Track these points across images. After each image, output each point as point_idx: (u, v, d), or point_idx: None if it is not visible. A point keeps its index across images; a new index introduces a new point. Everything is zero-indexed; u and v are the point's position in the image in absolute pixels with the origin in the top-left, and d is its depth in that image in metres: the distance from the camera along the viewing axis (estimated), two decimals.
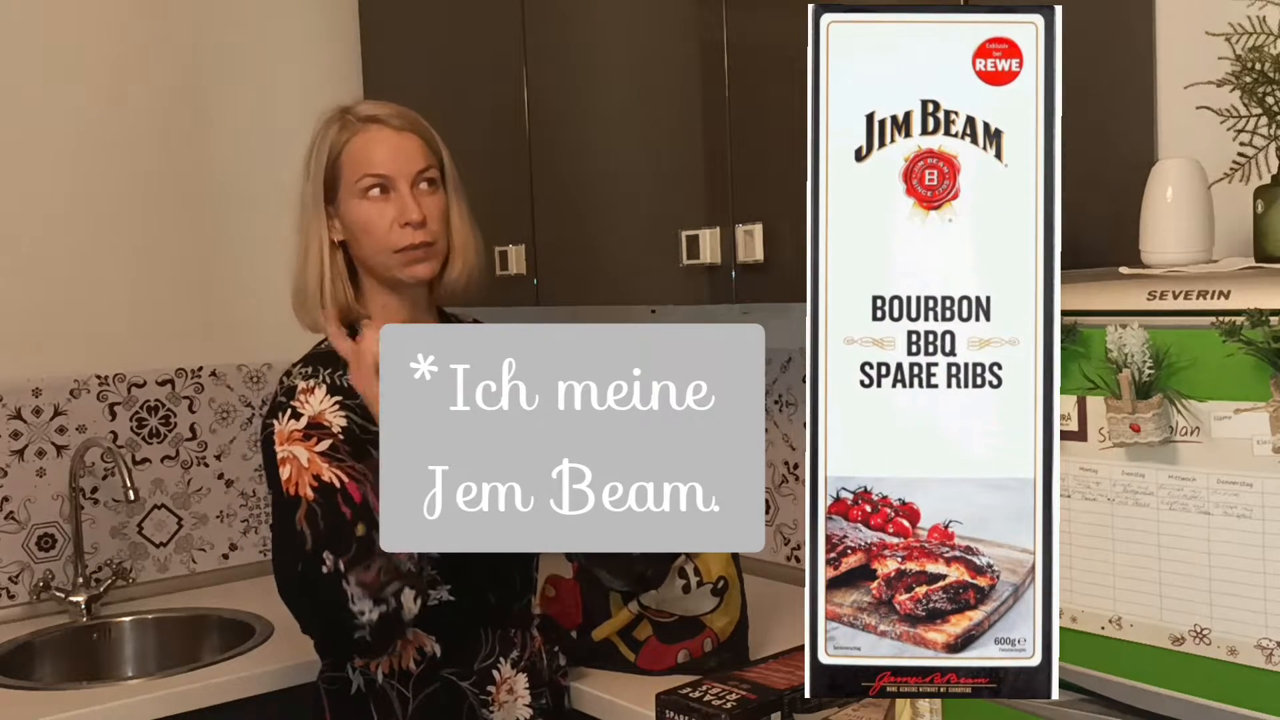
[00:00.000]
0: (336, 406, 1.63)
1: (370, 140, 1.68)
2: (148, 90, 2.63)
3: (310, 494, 1.55)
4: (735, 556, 1.97)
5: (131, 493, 2.37)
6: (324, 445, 1.59)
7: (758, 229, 1.84)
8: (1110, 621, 1.23)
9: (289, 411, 1.62)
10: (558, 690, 1.85)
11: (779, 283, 1.84)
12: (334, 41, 2.84)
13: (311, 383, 1.65)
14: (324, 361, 1.68)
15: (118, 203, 2.60)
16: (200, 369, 2.71)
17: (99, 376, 2.58)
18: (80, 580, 2.48)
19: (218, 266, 2.73)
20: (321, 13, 2.84)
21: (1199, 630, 1.16)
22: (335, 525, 1.53)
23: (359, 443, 1.60)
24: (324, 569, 1.51)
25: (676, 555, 1.91)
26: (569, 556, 1.96)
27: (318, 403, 1.63)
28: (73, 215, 2.56)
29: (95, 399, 2.57)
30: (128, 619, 2.48)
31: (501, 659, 1.73)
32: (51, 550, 2.52)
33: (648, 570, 1.90)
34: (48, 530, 2.52)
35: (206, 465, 2.71)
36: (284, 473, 1.58)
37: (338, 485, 1.56)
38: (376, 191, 1.66)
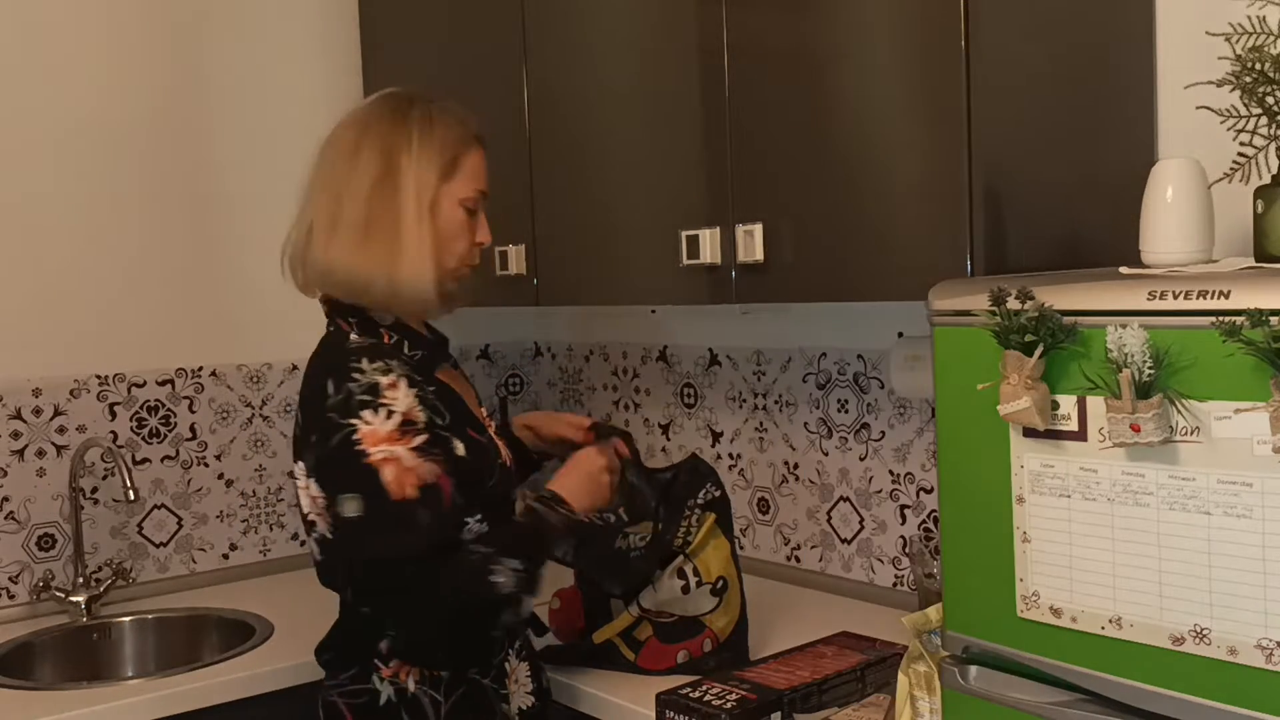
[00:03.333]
0: (417, 400, 1.62)
1: (482, 160, 1.75)
2: (147, 90, 2.63)
3: (414, 493, 1.57)
4: (735, 557, 1.97)
5: (131, 493, 2.37)
6: (418, 441, 1.59)
7: (758, 229, 1.84)
8: (1110, 621, 1.23)
9: (382, 411, 1.59)
10: (540, 670, 1.86)
11: (779, 283, 1.84)
12: (334, 41, 2.84)
13: (392, 376, 1.62)
14: (384, 353, 1.66)
15: (118, 202, 2.60)
16: (200, 369, 2.71)
17: (99, 376, 2.58)
18: (80, 580, 2.48)
19: (218, 266, 2.73)
20: (321, 13, 2.84)
21: (1199, 630, 1.16)
22: (450, 514, 1.61)
23: (437, 436, 1.62)
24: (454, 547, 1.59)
25: (669, 557, 1.91)
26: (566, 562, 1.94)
27: (404, 398, 1.61)
28: (73, 215, 2.55)
29: (95, 399, 2.57)
30: (128, 619, 2.47)
31: (509, 651, 1.77)
32: (51, 550, 2.52)
33: (637, 572, 1.90)
34: (48, 530, 2.52)
35: (206, 465, 2.71)
36: (386, 474, 1.56)
37: (434, 483, 1.60)
38: (474, 209, 1.74)
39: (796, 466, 2.43)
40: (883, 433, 2.26)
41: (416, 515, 1.57)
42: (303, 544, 2.82)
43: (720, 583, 1.93)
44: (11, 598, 2.48)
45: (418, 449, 1.59)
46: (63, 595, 2.46)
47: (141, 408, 2.63)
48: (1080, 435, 1.24)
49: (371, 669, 1.68)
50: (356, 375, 1.60)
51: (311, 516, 1.65)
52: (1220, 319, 1.10)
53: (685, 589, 1.91)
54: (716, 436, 2.60)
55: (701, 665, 1.91)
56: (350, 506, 1.57)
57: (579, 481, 1.77)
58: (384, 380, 1.61)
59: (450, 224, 1.71)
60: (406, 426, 1.59)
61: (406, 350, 1.70)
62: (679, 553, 1.91)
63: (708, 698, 1.70)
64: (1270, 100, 1.34)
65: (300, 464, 1.67)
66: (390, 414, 1.59)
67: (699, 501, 1.93)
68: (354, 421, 1.58)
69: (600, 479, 1.80)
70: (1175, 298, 1.16)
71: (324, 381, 1.62)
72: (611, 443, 1.91)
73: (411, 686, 1.67)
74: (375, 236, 1.67)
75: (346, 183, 1.68)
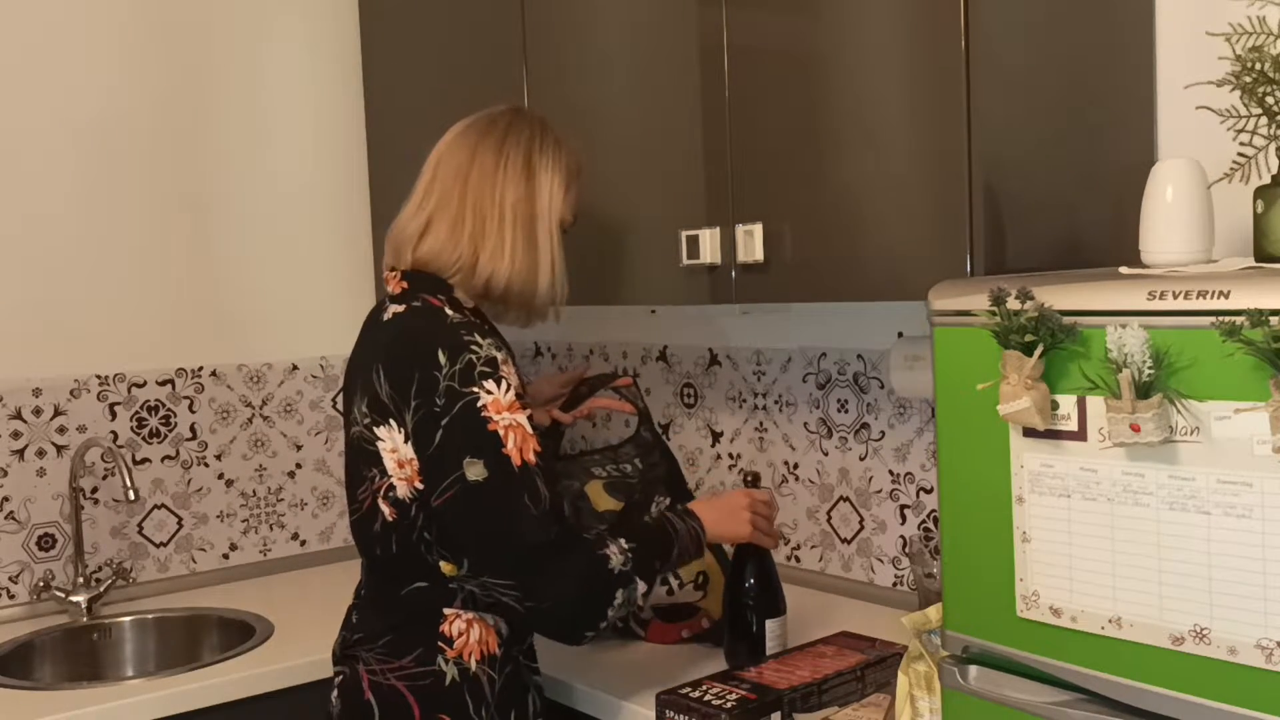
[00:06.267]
0: (522, 382, 1.71)
1: (580, 192, 1.88)
2: (148, 90, 2.63)
3: (534, 459, 1.64)
4: (713, 548, 2.03)
5: (131, 493, 2.37)
6: (529, 414, 1.68)
7: (758, 229, 1.84)
8: (1110, 621, 1.23)
9: (502, 383, 1.65)
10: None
11: (779, 283, 1.84)
12: (334, 42, 2.85)
13: (504, 353, 1.70)
14: (488, 332, 1.73)
15: (118, 202, 2.60)
16: (200, 369, 2.71)
17: (99, 376, 2.58)
18: (80, 580, 2.48)
19: (218, 266, 2.73)
20: (321, 13, 2.84)
21: (1199, 630, 1.16)
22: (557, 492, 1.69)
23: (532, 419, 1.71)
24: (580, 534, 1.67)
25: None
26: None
27: (515, 376, 1.69)
28: (73, 215, 2.55)
29: (95, 399, 2.57)
30: (128, 619, 2.48)
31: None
32: (51, 550, 2.52)
33: None
34: (48, 530, 2.52)
35: (206, 465, 2.71)
36: (509, 441, 1.63)
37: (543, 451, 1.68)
38: (567, 231, 1.86)
39: (796, 466, 2.43)
40: (883, 433, 2.26)
41: (537, 481, 1.63)
42: (303, 544, 2.83)
43: (700, 577, 2.02)
44: (11, 598, 2.48)
45: (530, 420, 1.67)
46: (63, 595, 2.46)
47: (141, 408, 2.63)
48: (1080, 435, 1.24)
49: (437, 651, 1.72)
50: (475, 348, 1.66)
51: (395, 480, 1.70)
52: (1220, 319, 1.10)
53: (669, 591, 2.02)
54: (716, 436, 2.60)
55: (707, 638, 2.01)
56: (475, 470, 1.63)
57: (720, 509, 1.84)
58: (499, 355, 1.68)
59: (559, 238, 1.83)
60: (520, 399, 1.67)
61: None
62: None
63: (708, 698, 1.70)
64: (1270, 100, 1.34)
65: (387, 426, 1.70)
66: (509, 387, 1.66)
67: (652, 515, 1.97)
68: (475, 390, 1.64)
69: (740, 514, 1.85)
70: (1175, 298, 1.16)
71: (432, 350, 1.66)
72: (752, 487, 1.97)
73: (473, 666, 1.73)
74: (520, 242, 1.77)
75: (490, 183, 1.78)
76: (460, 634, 1.73)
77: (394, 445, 1.70)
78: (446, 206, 1.77)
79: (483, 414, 1.63)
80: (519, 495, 1.63)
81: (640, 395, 2.06)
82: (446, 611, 1.73)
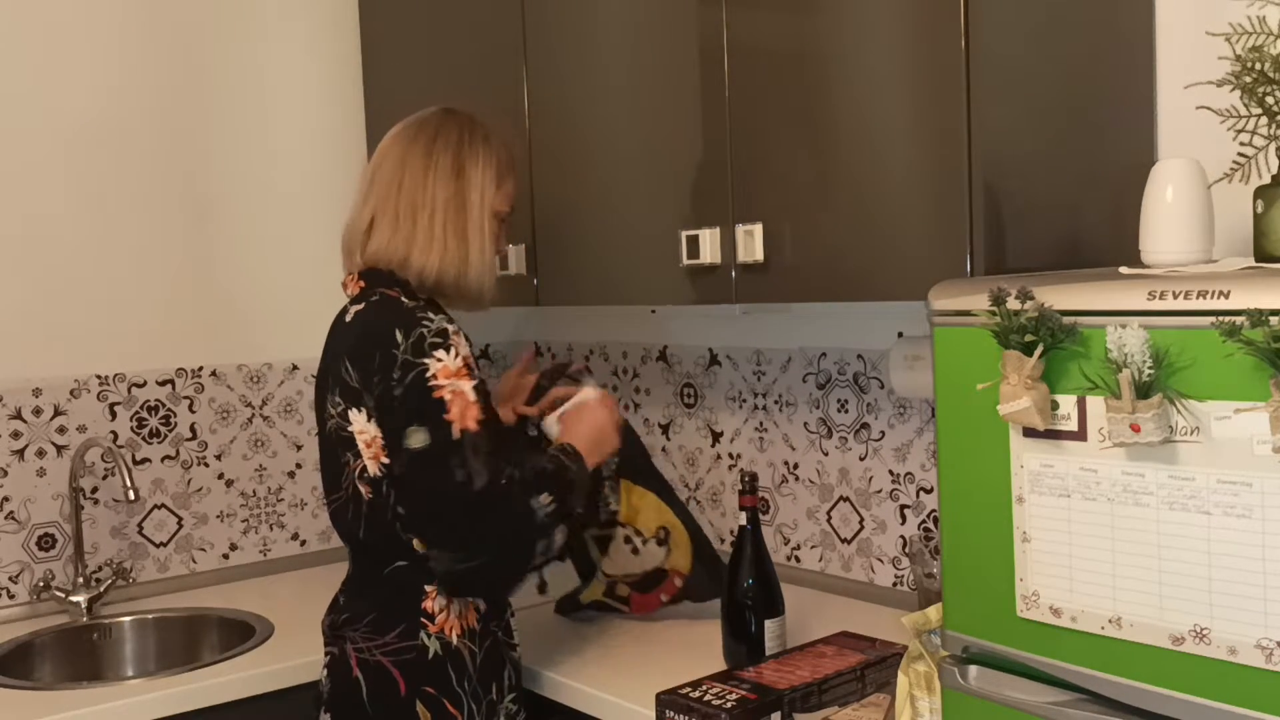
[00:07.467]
0: (471, 354, 1.77)
1: (516, 182, 1.96)
2: (148, 90, 2.63)
3: (474, 426, 1.70)
4: (665, 495, 2.14)
5: (131, 493, 2.37)
6: (476, 382, 1.75)
7: (758, 229, 1.84)
8: (1110, 621, 1.23)
9: (451, 350, 1.74)
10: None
11: (779, 283, 1.84)
12: (334, 42, 2.84)
13: (456, 326, 1.78)
14: (441, 310, 1.83)
15: (118, 202, 2.60)
16: (200, 369, 2.71)
17: (99, 376, 2.58)
18: (80, 580, 2.48)
19: (218, 266, 2.73)
20: (321, 13, 2.84)
21: (1199, 630, 1.16)
22: (500, 450, 1.73)
23: (483, 387, 1.77)
24: (503, 481, 1.71)
25: (610, 531, 2.11)
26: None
27: (465, 346, 1.76)
28: (73, 215, 2.55)
29: (95, 399, 2.57)
30: (128, 619, 2.47)
31: (509, 607, 1.92)
32: (51, 550, 2.52)
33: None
34: (48, 530, 2.52)
35: (206, 465, 2.71)
36: (453, 408, 1.70)
37: (488, 420, 1.74)
38: (504, 220, 1.93)
39: (796, 466, 2.43)
40: (883, 433, 2.26)
41: (477, 447, 1.70)
42: (303, 544, 2.83)
43: (662, 533, 2.12)
44: (11, 598, 2.48)
45: (476, 389, 1.74)
46: (63, 595, 2.46)
47: (141, 408, 2.63)
48: (1080, 435, 1.24)
49: (419, 626, 1.79)
50: (426, 323, 1.75)
51: (366, 460, 1.77)
52: (1220, 319, 1.10)
53: (635, 550, 2.12)
54: (716, 436, 2.60)
55: (682, 597, 2.13)
56: (417, 438, 1.70)
57: (591, 438, 1.90)
58: (450, 328, 1.77)
59: (492, 231, 1.89)
60: (469, 367, 1.75)
61: None
62: (615, 524, 2.11)
63: (708, 697, 1.70)
64: (1270, 100, 1.34)
65: (356, 409, 1.78)
66: (457, 354, 1.74)
67: (604, 476, 2.07)
68: (426, 361, 1.72)
69: (609, 433, 1.94)
70: (1175, 298, 1.16)
71: (390, 331, 1.75)
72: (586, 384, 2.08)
73: (455, 641, 1.80)
74: (450, 235, 1.84)
75: (420, 184, 1.86)
76: (441, 609, 1.80)
77: (361, 427, 1.77)
78: (385, 210, 1.86)
79: (430, 383, 1.71)
80: (454, 462, 1.69)
81: (591, 381, 2.15)
82: (427, 588, 1.79)
